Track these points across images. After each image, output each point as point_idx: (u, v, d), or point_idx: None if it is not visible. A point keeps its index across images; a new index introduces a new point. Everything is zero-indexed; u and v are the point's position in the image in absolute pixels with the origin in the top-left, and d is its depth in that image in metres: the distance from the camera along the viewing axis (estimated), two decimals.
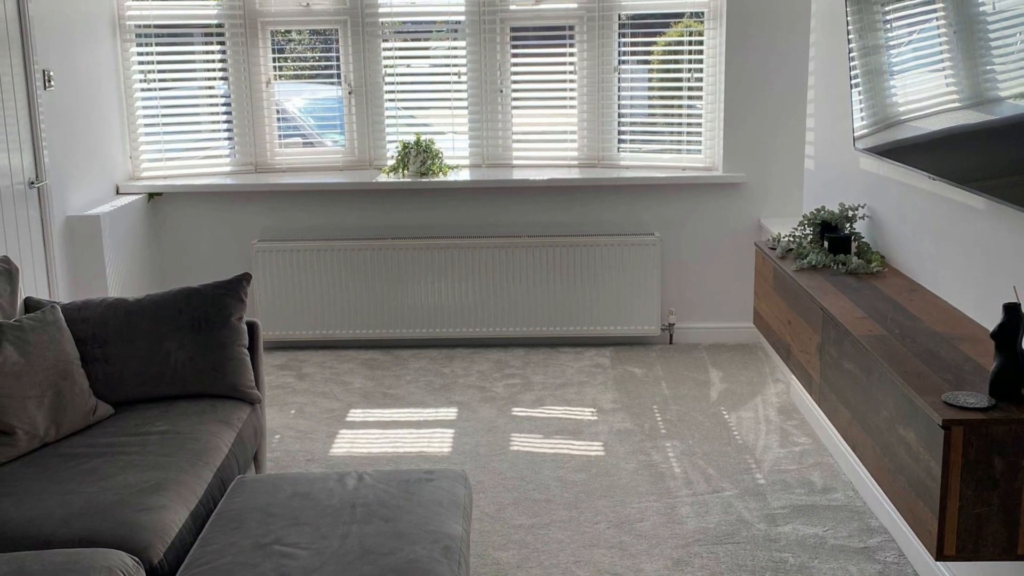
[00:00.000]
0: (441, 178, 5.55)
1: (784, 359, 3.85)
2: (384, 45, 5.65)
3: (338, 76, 5.74)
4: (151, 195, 5.57)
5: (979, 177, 2.93)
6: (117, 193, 5.47)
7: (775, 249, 4.00)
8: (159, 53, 5.66)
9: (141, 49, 5.60)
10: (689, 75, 5.64)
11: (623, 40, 5.62)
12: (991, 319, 2.82)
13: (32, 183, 4.58)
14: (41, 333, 3.40)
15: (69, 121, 5.01)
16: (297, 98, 6.02)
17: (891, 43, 3.55)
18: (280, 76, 5.83)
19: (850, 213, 3.88)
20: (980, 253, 3.02)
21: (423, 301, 5.61)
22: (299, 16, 5.65)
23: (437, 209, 5.65)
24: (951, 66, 3.12)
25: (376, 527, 2.79)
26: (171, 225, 5.71)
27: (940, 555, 2.31)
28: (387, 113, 5.76)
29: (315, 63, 5.98)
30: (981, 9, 2.87)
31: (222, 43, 5.65)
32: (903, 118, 3.49)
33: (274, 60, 5.73)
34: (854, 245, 3.81)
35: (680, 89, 5.70)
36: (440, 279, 5.59)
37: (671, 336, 5.71)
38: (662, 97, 5.82)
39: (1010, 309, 2.33)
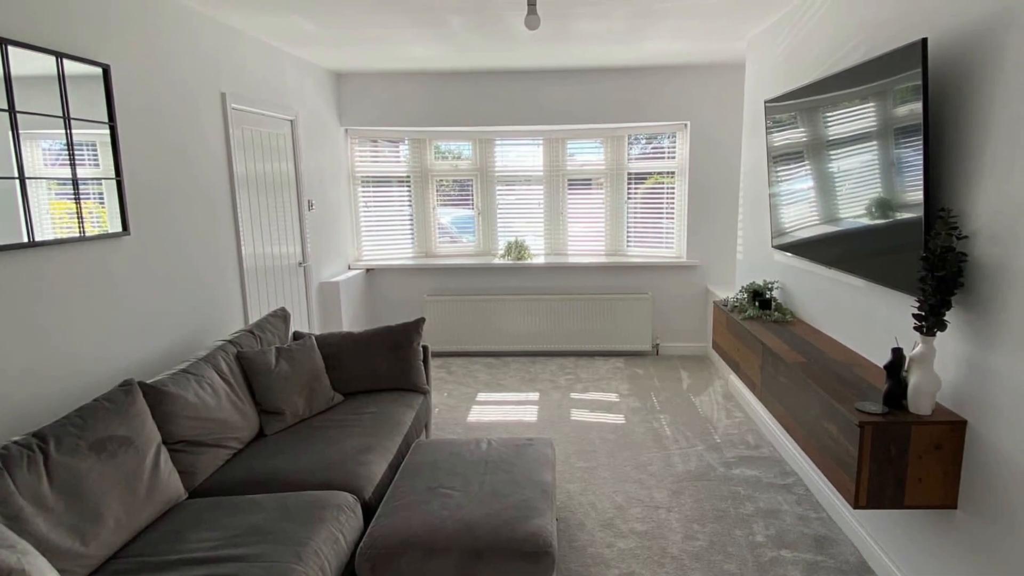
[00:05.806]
0: (528, 262, 6.19)
1: (735, 371, 3.91)
2: (498, 187, 6.30)
3: (471, 203, 6.41)
4: (368, 270, 6.26)
5: (835, 262, 3.01)
6: (348, 268, 6.15)
7: (726, 306, 4.19)
8: (374, 191, 6.39)
9: (363, 189, 6.28)
10: (667, 203, 6.17)
11: (630, 185, 6.26)
12: (872, 353, 2.89)
13: (300, 263, 5.15)
14: (302, 352, 3.61)
15: (322, 228, 5.60)
16: (448, 216, 6.70)
17: (783, 187, 3.74)
18: (439, 203, 6.50)
19: (770, 286, 4.06)
20: (859, 313, 3.06)
21: (518, 329, 6.16)
22: (451, 172, 6.35)
23: (526, 279, 6.26)
24: (815, 200, 3.25)
25: (500, 477, 2.84)
26: (379, 287, 6.37)
27: (856, 505, 2.37)
28: (499, 224, 6.37)
29: (459, 196, 6.70)
30: (830, 170, 3.01)
31: (408, 185, 6.35)
32: (793, 228, 3.62)
33: (436, 194, 6.43)
34: (774, 304, 3.96)
35: (661, 211, 6.20)
36: (527, 317, 6.17)
37: (657, 351, 6.22)
38: (652, 215, 6.31)
39: (896, 351, 2.42)
